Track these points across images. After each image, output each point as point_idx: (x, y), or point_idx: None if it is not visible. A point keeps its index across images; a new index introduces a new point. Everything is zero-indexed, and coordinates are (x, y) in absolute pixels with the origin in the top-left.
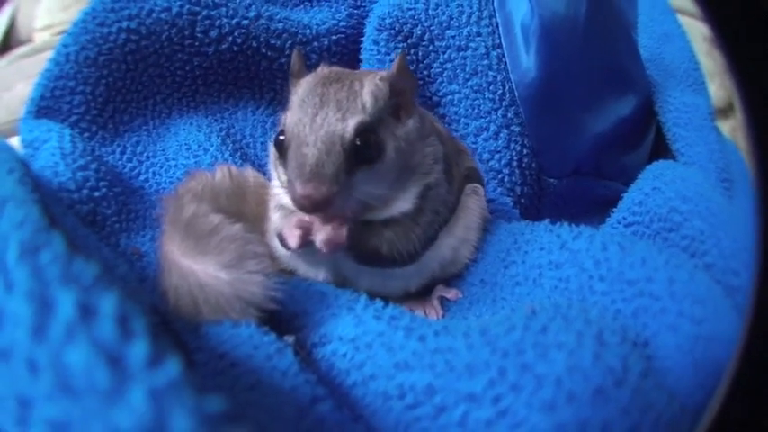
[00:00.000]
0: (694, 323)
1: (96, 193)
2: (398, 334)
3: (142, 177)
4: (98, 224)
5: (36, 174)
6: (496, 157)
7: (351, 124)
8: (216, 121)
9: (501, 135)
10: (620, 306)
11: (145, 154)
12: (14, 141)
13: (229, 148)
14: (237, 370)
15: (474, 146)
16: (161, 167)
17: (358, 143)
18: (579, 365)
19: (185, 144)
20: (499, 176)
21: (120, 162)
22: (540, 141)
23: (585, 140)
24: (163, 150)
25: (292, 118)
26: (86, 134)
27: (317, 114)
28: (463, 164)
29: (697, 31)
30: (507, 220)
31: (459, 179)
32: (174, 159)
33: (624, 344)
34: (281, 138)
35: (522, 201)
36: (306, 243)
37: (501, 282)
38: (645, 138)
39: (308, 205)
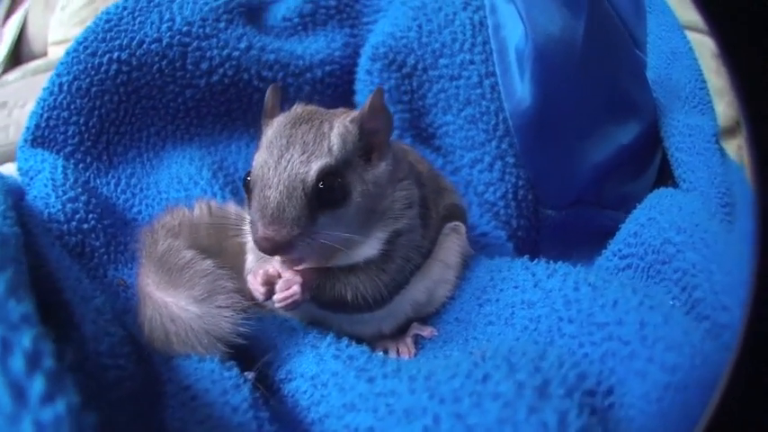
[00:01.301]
0: (665, 370)
1: (85, 225)
2: (350, 374)
3: (135, 209)
4: (86, 255)
5: (29, 204)
6: (491, 189)
7: (314, 168)
8: (209, 153)
9: (495, 167)
10: (588, 350)
11: (138, 186)
12: None
13: (220, 182)
14: (195, 403)
15: (469, 178)
16: (153, 200)
17: (321, 187)
18: (512, 418)
19: (177, 177)
20: (494, 209)
21: (114, 194)
22: (537, 172)
23: (585, 170)
24: (156, 183)
25: (259, 159)
26: (81, 165)
27: (282, 156)
28: (443, 202)
29: (706, 49)
30: (497, 255)
31: (437, 221)
32: (165, 192)
33: (568, 398)
34: (248, 179)
35: (519, 234)
36: (270, 296)
37: (474, 320)
38: (649, 165)
39: (268, 248)
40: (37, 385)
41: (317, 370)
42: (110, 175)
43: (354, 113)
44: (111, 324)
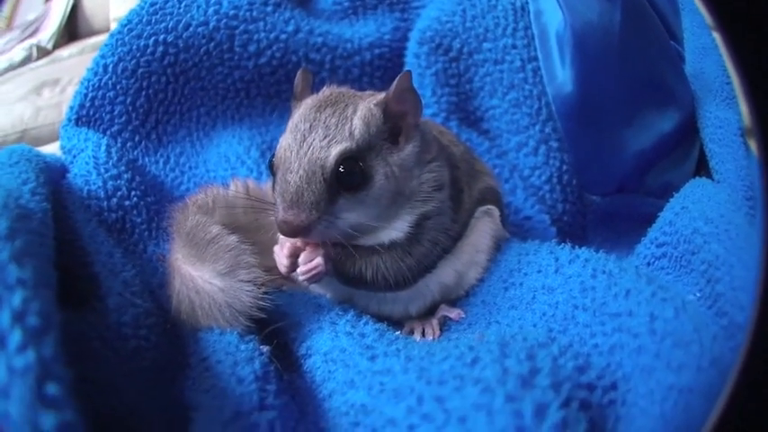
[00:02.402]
0: (671, 369)
1: (127, 202)
2: (356, 351)
3: (183, 187)
4: (127, 231)
5: (69, 181)
6: (536, 173)
7: (333, 152)
8: (259, 133)
9: (540, 150)
10: (599, 340)
11: (187, 164)
12: None
13: (267, 162)
14: (208, 373)
15: (515, 161)
16: (201, 178)
17: (341, 171)
18: (488, 405)
19: (225, 156)
20: (539, 193)
21: (162, 171)
22: (581, 157)
23: (628, 157)
24: (204, 161)
25: (283, 142)
26: (129, 143)
27: (305, 140)
28: (477, 185)
29: None
30: (539, 239)
31: (469, 203)
32: (213, 171)
33: (553, 389)
34: (273, 161)
35: (565, 218)
36: (295, 269)
37: (499, 303)
38: (689, 154)
39: (288, 231)
40: (15, 336)
41: (330, 346)
42: (158, 154)
43: (380, 96)
44: (138, 296)
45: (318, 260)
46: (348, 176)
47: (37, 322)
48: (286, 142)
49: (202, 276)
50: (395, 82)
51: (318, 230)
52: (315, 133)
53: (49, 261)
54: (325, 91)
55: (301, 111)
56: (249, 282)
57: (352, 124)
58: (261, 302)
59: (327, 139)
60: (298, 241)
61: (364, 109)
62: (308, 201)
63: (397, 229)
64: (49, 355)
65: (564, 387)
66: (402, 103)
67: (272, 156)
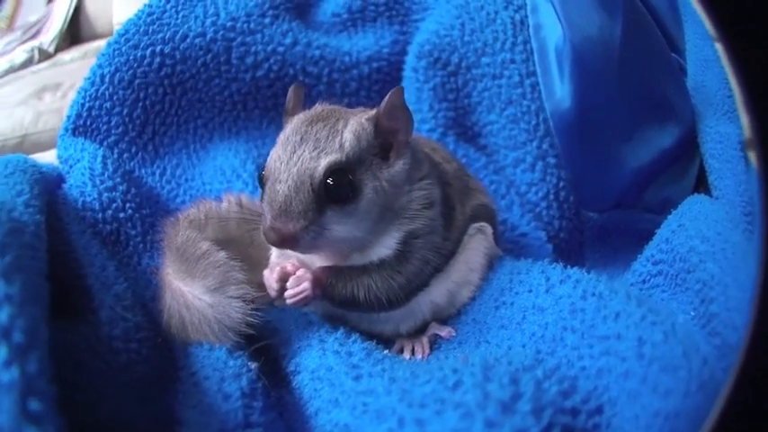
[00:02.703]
0: (657, 394)
1: (122, 214)
2: (342, 371)
3: (179, 200)
4: (121, 243)
5: (64, 192)
6: (533, 189)
7: (323, 163)
8: (256, 146)
9: (537, 167)
10: (587, 363)
11: (183, 177)
12: None
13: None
14: (195, 389)
15: (512, 178)
16: (197, 191)
17: (330, 183)
18: (466, 430)
19: (221, 169)
20: (536, 210)
21: (158, 184)
22: (579, 173)
23: (626, 173)
24: (200, 174)
25: (273, 154)
26: (126, 155)
27: (295, 152)
28: (470, 203)
29: None
30: (533, 257)
31: (462, 221)
32: (209, 183)
33: (534, 415)
34: (263, 173)
35: (561, 235)
36: (284, 293)
37: (490, 323)
38: (689, 170)
39: (275, 239)
40: (1, 352)
41: (317, 364)
42: (155, 165)
43: (372, 112)
44: (129, 311)
45: (305, 285)
46: (336, 188)
47: (22, 339)
48: (276, 154)
49: (192, 292)
50: (386, 97)
51: (306, 241)
52: (305, 145)
53: (40, 274)
54: (317, 107)
55: (292, 125)
56: (238, 298)
57: (342, 137)
58: (250, 318)
59: (317, 150)
60: (288, 265)
61: (355, 123)
62: (296, 210)
63: (385, 246)
64: (34, 371)
65: (546, 413)
66: (393, 120)
67: (262, 168)
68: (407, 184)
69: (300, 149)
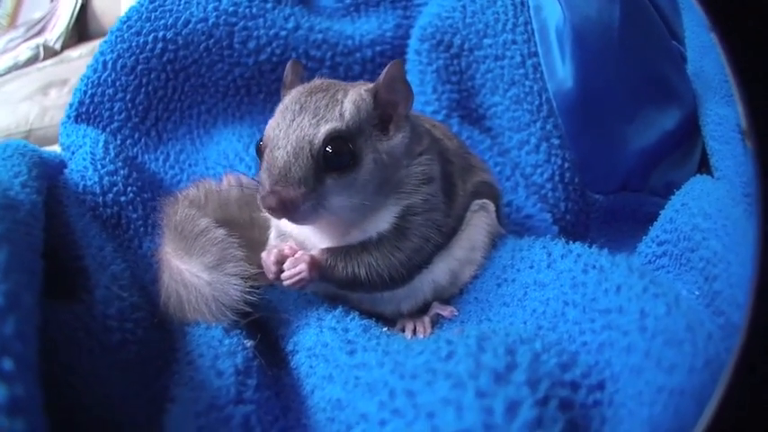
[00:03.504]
0: (661, 369)
1: (123, 198)
2: (337, 346)
3: (182, 185)
4: (122, 227)
5: (65, 177)
6: (538, 171)
7: (322, 131)
8: (260, 131)
9: (541, 148)
10: (588, 338)
11: (187, 162)
12: None
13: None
14: (189, 367)
15: (517, 159)
16: (201, 176)
17: (329, 150)
18: (457, 400)
19: (224, 153)
20: (542, 192)
21: (162, 169)
22: (583, 155)
23: (630, 155)
24: (204, 159)
25: (272, 123)
26: (129, 141)
27: (294, 120)
28: (472, 179)
29: None
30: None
31: (464, 197)
32: (213, 168)
33: (529, 386)
34: (260, 143)
35: (567, 217)
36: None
37: (492, 300)
38: (692, 153)
39: (274, 205)
40: None
41: (314, 341)
42: (158, 151)
43: (371, 84)
44: (125, 290)
45: (302, 266)
46: (336, 156)
47: (1, 301)
48: (275, 122)
49: (190, 270)
50: (385, 69)
51: (305, 209)
52: (305, 114)
53: (34, 251)
54: (316, 81)
55: (291, 95)
56: (236, 275)
57: (342, 107)
58: (248, 297)
59: (317, 118)
60: (285, 248)
61: (355, 93)
62: (296, 176)
63: (384, 221)
64: (9, 332)
65: (542, 384)
66: (392, 92)
67: (260, 139)
68: (406, 159)
69: (300, 117)
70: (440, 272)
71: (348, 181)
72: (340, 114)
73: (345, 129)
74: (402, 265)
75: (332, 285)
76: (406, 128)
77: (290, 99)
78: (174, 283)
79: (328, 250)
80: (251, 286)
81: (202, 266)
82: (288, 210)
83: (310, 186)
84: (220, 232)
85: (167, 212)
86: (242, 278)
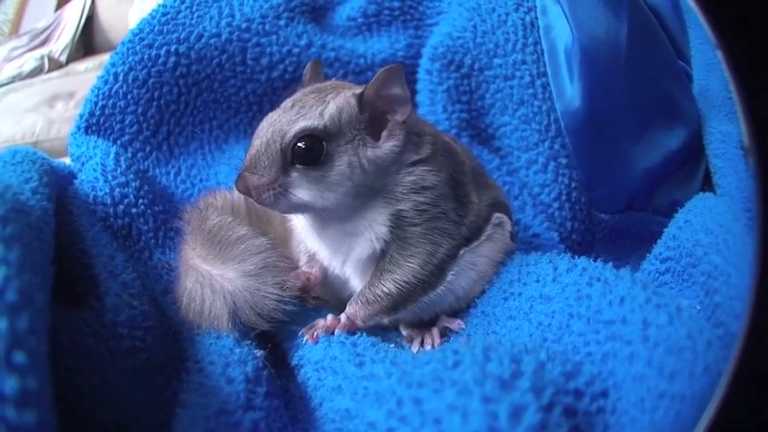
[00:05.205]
0: (663, 376)
1: (134, 210)
2: (345, 359)
3: (193, 199)
4: (132, 238)
5: (75, 187)
6: (546, 190)
7: (296, 127)
8: None
9: (549, 167)
10: (593, 349)
11: (198, 177)
12: None
13: None
14: (200, 374)
15: (525, 179)
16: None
17: (300, 146)
18: (464, 407)
19: (236, 169)
20: (549, 210)
21: (173, 183)
22: (590, 174)
23: (636, 174)
24: (215, 174)
25: (268, 115)
26: (140, 154)
27: (281, 115)
28: (488, 193)
29: None
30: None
31: (479, 207)
32: (224, 183)
33: (533, 392)
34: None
35: (573, 236)
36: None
37: (498, 314)
38: (696, 173)
39: (241, 188)
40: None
41: (321, 355)
42: (170, 165)
43: (361, 88)
44: (136, 299)
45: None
46: (306, 152)
47: (15, 298)
48: (270, 115)
49: (223, 275)
50: (377, 73)
51: (267, 196)
52: (292, 110)
53: (45, 255)
54: (327, 82)
55: (296, 93)
56: (277, 284)
57: (326, 107)
58: (285, 306)
59: (298, 116)
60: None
61: (341, 96)
62: (262, 164)
63: (376, 222)
64: (23, 328)
65: (546, 391)
66: (382, 96)
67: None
68: (394, 167)
69: (287, 113)
70: (460, 283)
71: (315, 177)
72: (320, 114)
73: (322, 128)
74: (421, 266)
75: (380, 318)
76: (399, 137)
77: (292, 96)
78: (199, 287)
79: (352, 302)
80: (289, 296)
81: (240, 273)
82: (253, 195)
83: (273, 176)
84: (262, 241)
85: (193, 219)
86: (282, 288)
